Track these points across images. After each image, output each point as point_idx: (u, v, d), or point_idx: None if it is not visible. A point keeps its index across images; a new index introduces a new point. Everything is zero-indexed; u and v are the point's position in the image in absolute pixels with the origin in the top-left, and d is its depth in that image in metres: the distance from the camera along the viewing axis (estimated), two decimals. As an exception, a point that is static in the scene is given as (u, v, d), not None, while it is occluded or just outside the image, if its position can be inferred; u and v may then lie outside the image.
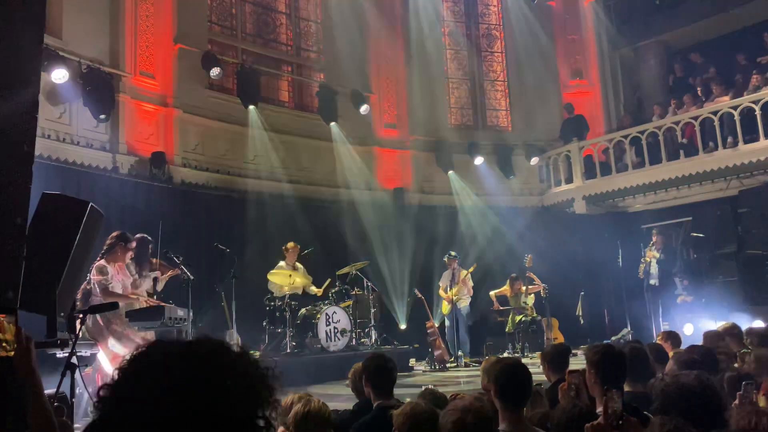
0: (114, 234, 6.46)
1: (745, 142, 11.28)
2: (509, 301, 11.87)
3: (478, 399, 2.91)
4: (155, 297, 6.95)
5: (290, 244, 10.00)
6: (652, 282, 11.22)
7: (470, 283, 11.25)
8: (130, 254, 6.61)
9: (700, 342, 5.23)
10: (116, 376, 1.12)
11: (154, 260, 7.16)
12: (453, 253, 11.30)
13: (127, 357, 1.14)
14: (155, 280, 7.05)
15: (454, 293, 10.96)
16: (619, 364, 3.18)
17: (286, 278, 9.74)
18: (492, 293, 11.98)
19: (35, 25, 2.57)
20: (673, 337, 5.62)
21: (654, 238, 11.42)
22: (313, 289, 10.13)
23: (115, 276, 6.29)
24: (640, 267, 11.29)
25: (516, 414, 2.95)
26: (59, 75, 8.68)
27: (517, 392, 3.01)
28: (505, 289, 11.89)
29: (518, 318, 11.52)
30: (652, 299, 11.17)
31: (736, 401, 2.99)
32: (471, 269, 11.25)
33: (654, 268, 11.12)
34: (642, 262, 11.29)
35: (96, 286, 6.13)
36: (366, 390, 3.77)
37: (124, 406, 1.08)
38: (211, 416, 1.06)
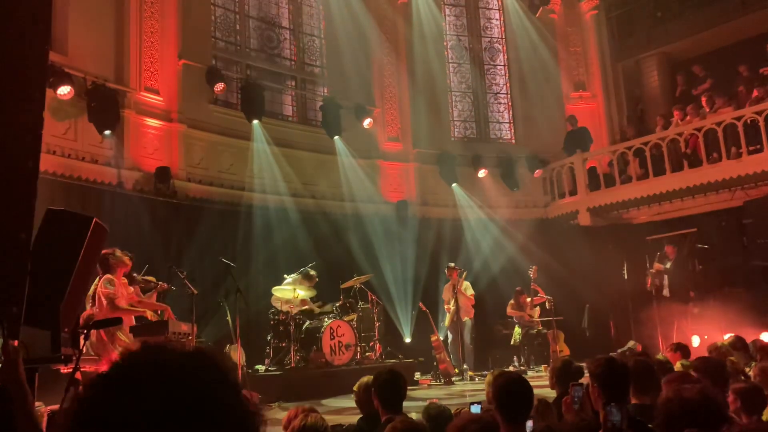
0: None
1: (749, 152, 11.27)
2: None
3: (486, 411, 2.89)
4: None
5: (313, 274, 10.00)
6: (664, 293, 11.16)
7: (468, 293, 11.17)
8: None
9: (705, 354, 5.20)
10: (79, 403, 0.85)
11: (136, 275, 6.97)
12: (452, 264, 11.24)
13: (96, 375, 0.88)
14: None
15: (453, 305, 10.92)
16: (622, 377, 3.15)
17: (290, 293, 9.71)
18: (508, 310, 11.85)
19: (41, 42, 2.60)
20: (682, 349, 5.59)
21: (666, 249, 11.31)
22: (311, 305, 10.10)
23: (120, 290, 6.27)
24: (648, 279, 11.22)
25: (517, 428, 2.93)
26: (64, 91, 8.75)
27: (517, 406, 2.99)
28: (512, 302, 11.85)
29: (523, 331, 11.47)
30: (658, 311, 11.11)
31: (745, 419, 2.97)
32: (462, 278, 11.13)
33: (664, 279, 11.05)
34: (648, 274, 11.22)
35: (103, 298, 6.08)
36: (375, 403, 3.74)
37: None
38: None
